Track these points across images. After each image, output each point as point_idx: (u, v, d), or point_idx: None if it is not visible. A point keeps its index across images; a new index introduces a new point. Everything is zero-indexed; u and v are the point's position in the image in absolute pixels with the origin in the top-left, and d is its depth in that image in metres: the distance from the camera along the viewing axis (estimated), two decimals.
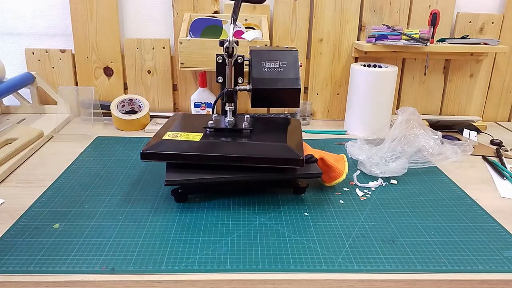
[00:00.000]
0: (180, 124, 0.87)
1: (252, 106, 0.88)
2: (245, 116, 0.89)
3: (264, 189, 0.84)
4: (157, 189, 0.84)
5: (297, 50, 0.89)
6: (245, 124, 0.84)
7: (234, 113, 0.88)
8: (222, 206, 0.78)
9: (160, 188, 0.84)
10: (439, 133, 1.01)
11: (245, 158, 0.75)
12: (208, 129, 0.84)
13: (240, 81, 0.90)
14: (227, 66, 0.83)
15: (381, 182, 0.88)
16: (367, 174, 0.92)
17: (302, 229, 0.71)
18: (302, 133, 1.18)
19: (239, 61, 0.87)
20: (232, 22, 0.82)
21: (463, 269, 0.62)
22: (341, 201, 0.80)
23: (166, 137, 0.79)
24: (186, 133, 0.82)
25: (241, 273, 0.60)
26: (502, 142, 1.11)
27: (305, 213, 0.75)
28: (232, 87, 0.86)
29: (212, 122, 0.86)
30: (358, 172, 0.90)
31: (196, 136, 0.80)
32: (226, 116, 0.87)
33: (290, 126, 0.90)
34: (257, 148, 0.77)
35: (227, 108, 0.87)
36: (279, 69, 0.88)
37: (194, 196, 0.81)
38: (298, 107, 0.89)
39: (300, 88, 0.86)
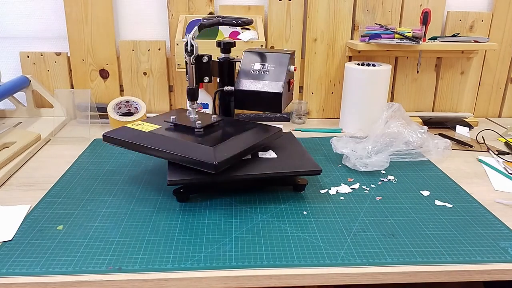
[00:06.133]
0: (171, 116, 0.88)
1: (235, 107, 0.88)
2: (212, 116, 0.89)
3: (264, 187, 0.85)
4: (158, 189, 0.84)
5: (289, 54, 0.89)
6: (198, 124, 0.83)
7: (222, 111, 0.87)
8: (223, 205, 0.79)
9: (161, 188, 0.85)
10: (425, 127, 1.03)
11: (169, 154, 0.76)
12: (167, 122, 0.85)
13: (206, 80, 0.89)
14: (187, 65, 0.83)
15: (384, 179, 0.90)
16: (352, 169, 0.94)
17: (304, 225, 0.72)
18: (299, 132, 1.20)
19: (204, 60, 0.87)
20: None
21: (462, 260, 0.63)
22: (341, 198, 0.82)
23: (129, 125, 0.85)
24: (148, 124, 0.86)
25: (246, 269, 0.61)
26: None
27: (304, 212, 0.76)
28: (194, 85, 0.85)
29: (174, 117, 0.85)
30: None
31: (151, 127, 0.83)
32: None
33: (242, 129, 0.87)
34: (180, 145, 0.76)
35: (189, 106, 0.86)
36: (265, 72, 0.88)
37: (196, 195, 0.82)
38: (280, 112, 0.88)
39: (281, 93, 0.85)
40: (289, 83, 0.91)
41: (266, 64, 0.88)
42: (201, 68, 0.88)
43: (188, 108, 0.88)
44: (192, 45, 0.81)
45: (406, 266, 0.62)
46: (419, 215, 0.76)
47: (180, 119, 0.87)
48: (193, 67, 0.83)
